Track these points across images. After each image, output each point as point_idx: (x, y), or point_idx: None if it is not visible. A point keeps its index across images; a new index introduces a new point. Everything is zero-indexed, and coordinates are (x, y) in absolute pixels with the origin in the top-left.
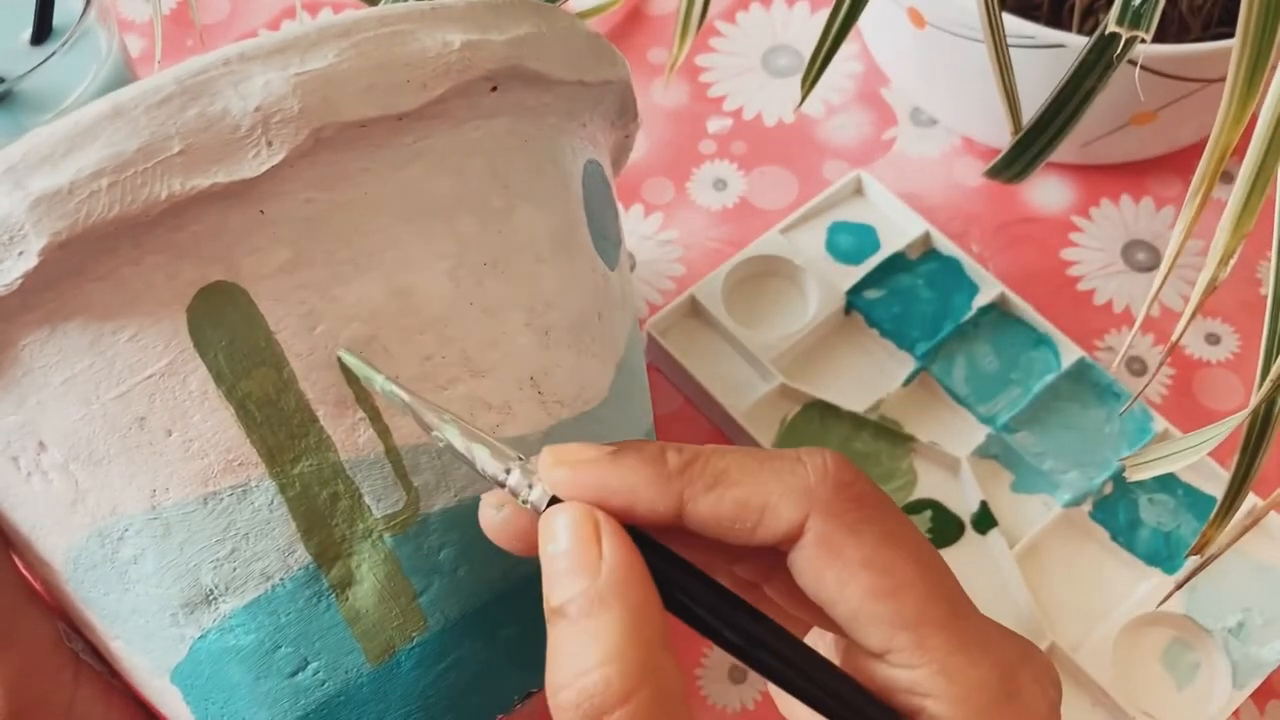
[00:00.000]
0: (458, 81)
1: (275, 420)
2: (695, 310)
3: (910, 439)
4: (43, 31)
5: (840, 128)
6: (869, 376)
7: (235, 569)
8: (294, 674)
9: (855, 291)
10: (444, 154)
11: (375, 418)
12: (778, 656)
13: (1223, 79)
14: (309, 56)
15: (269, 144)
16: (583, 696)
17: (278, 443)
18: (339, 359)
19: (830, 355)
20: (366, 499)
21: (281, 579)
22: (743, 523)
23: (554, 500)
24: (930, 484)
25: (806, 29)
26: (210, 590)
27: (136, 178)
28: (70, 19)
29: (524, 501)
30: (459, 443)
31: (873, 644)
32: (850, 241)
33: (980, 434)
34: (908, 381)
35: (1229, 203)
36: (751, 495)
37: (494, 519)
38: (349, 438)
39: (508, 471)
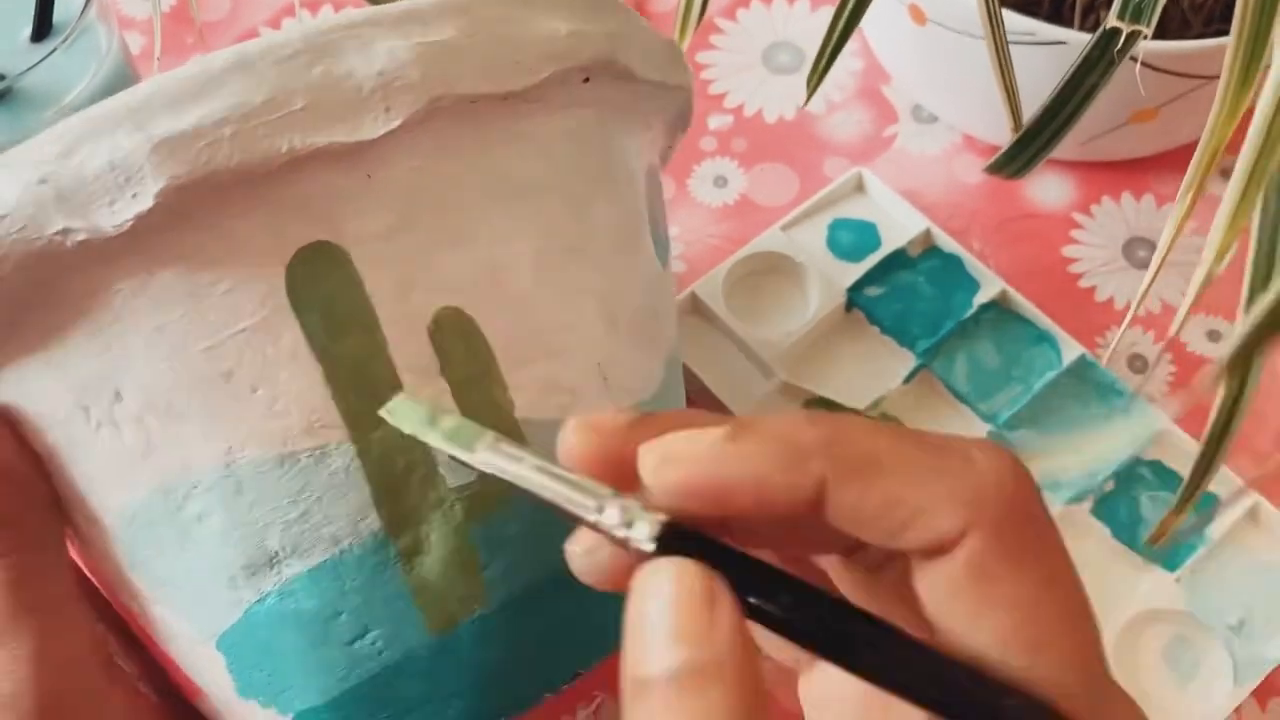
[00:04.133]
0: (559, 68)
1: (362, 385)
2: (696, 308)
3: None
4: (43, 29)
5: (841, 125)
6: (870, 374)
7: (304, 532)
8: (352, 642)
9: (856, 289)
10: (538, 138)
11: (458, 389)
12: (889, 660)
13: None
14: (430, 28)
15: (387, 109)
16: None
17: (362, 407)
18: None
19: (831, 352)
20: (441, 469)
21: (350, 544)
22: (887, 522)
23: (665, 530)
24: None
25: (807, 26)
26: (275, 553)
27: (260, 129)
28: (70, 16)
29: (623, 540)
30: (541, 486)
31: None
32: (851, 238)
33: (981, 432)
34: (909, 379)
35: (1224, 198)
36: (906, 492)
37: (584, 563)
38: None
39: (600, 510)
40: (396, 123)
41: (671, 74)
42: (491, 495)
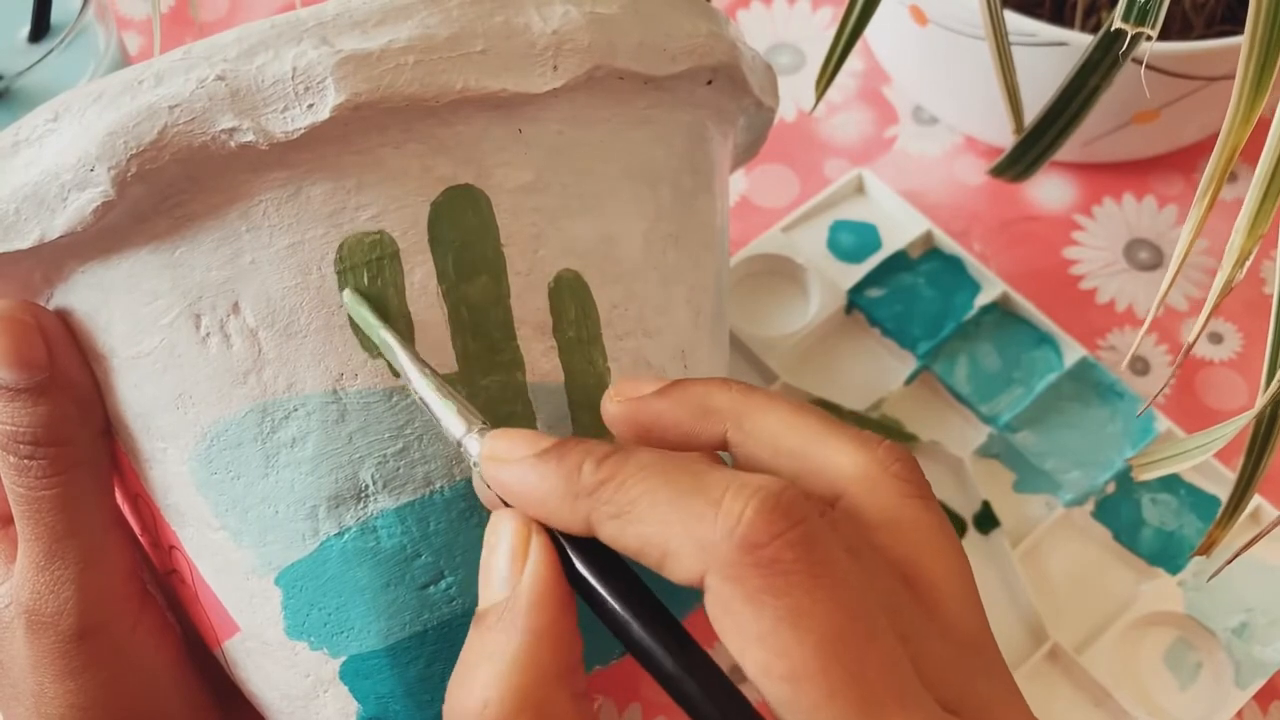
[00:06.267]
0: (695, 65)
1: (480, 330)
2: None
3: (912, 438)
4: (40, 29)
5: (841, 126)
6: (871, 375)
7: (400, 468)
8: (426, 586)
9: (857, 290)
10: (661, 127)
11: (564, 349)
12: (684, 676)
13: (1226, 77)
14: (600, 1)
15: (554, 68)
16: (461, 715)
17: (477, 351)
18: (344, 296)
19: (832, 354)
20: (539, 424)
21: (441, 486)
22: (646, 560)
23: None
24: (932, 484)
25: (807, 27)
26: (365, 486)
27: (440, 63)
28: (68, 16)
29: (474, 465)
30: (432, 397)
31: (776, 712)
32: (852, 240)
33: (982, 433)
34: (909, 380)
35: (1244, 204)
36: (654, 536)
37: (481, 492)
38: (538, 362)
39: (467, 434)
40: (559, 83)
41: (768, 94)
42: None
